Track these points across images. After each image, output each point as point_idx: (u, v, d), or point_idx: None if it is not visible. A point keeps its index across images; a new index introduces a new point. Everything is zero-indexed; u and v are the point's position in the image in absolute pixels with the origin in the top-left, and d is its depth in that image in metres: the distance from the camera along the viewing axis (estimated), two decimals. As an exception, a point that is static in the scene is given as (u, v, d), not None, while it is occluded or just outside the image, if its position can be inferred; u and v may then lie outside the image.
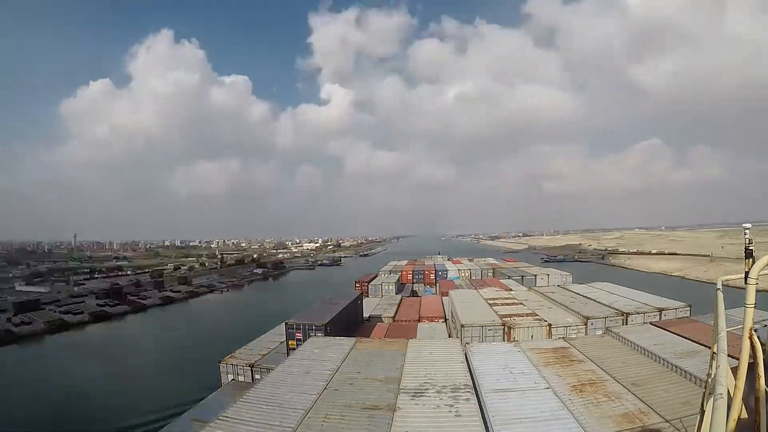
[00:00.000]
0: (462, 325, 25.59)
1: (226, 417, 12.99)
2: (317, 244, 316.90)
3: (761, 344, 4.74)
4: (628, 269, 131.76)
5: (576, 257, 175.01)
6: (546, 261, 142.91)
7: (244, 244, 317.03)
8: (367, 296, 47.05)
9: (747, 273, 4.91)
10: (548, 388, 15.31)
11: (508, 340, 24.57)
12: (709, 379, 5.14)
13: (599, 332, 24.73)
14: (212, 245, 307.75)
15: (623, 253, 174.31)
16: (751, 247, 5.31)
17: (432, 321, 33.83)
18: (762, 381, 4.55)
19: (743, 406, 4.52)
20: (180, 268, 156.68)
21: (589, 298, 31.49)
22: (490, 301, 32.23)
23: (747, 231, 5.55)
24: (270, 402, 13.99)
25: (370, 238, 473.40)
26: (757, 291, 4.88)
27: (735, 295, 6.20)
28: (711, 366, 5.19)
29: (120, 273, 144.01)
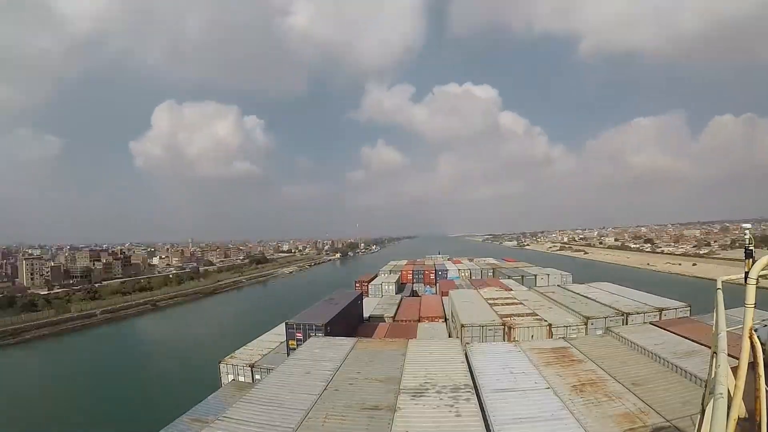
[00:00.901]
0: (462, 325, 25.59)
1: (226, 417, 13.00)
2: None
3: (761, 344, 4.75)
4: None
5: None
6: None
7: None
8: (367, 296, 47.07)
9: (747, 273, 4.92)
10: (548, 388, 15.32)
11: (509, 340, 24.57)
12: (710, 379, 5.14)
13: (599, 332, 24.72)
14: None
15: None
16: (750, 247, 5.32)
17: (432, 321, 33.81)
18: (762, 381, 4.55)
19: (743, 406, 4.53)
20: None
21: (589, 298, 31.47)
22: (490, 301, 32.22)
23: (747, 231, 5.57)
24: (270, 402, 13.99)
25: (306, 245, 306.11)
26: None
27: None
28: (711, 366, 5.19)
29: None
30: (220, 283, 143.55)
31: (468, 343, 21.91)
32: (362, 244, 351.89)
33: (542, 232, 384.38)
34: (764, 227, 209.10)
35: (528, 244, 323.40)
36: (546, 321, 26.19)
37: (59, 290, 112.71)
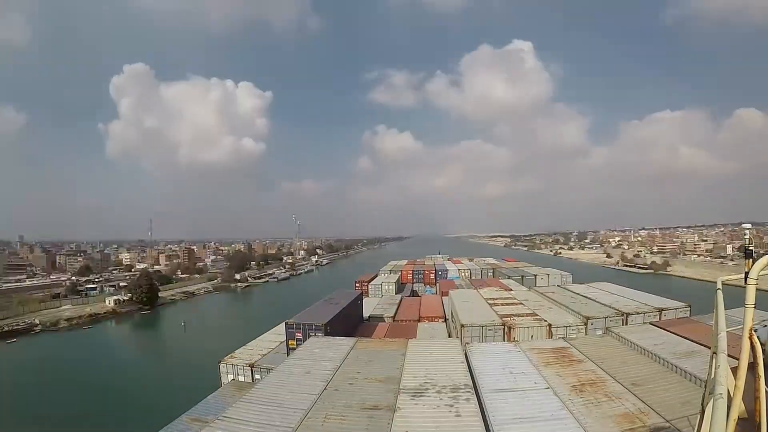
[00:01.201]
0: (462, 325, 25.58)
1: (226, 417, 13.00)
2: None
3: (761, 344, 4.74)
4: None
5: None
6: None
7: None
8: (367, 296, 47.07)
9: (747, 273, 4.92)
10: (548, 388, 15.32)
11: (508, 340, 24.56)
12: (709, 379, 5.14)
13: (599, 332, 24.72)
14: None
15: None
16: (750, 248, 5.33)
17: (432, 321, 33.82)
18: (762, 381, 4.54)
19: (743, 407, 4.53)
20: None
21: (589, 298, 31.47)
22: (490, 301, 32.21)
23: (747, 231, 5.58)
24: (270, 402, 14.00)
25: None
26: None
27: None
28: (711, 366, 5.19)
29: None
30: None
31: (468, 343, 21.91)
32: (301, 252, 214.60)
33: (576, 232, 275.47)
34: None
35: (676, 268, 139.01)
36: (546, 321, 26.18)
37: None
